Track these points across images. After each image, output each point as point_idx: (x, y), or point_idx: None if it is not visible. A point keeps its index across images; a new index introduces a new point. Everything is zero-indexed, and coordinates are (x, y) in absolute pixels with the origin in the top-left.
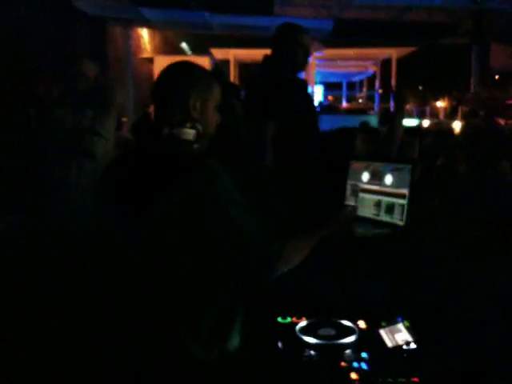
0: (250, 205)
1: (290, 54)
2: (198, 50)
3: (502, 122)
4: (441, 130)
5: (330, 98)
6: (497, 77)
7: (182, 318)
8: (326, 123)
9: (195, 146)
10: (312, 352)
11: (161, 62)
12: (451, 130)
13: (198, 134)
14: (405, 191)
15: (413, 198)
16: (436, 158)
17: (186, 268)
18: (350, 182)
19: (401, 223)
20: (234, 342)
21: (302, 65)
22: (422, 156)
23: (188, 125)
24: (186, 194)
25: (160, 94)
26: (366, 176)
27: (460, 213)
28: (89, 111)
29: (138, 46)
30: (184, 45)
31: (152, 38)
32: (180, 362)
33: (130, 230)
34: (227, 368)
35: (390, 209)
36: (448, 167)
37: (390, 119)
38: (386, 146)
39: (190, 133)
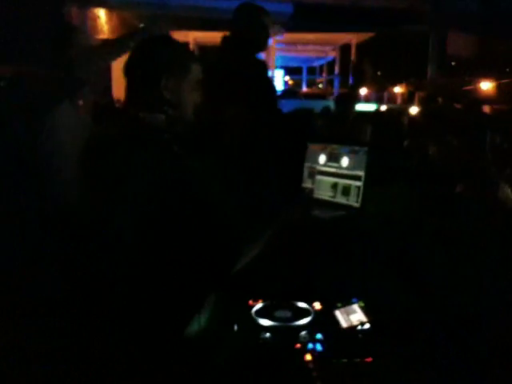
0: (216, 196)
1: (249, 35)
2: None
3: (458, 107)
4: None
5: (289, 82)
6: (453, 63)
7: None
8: (286, 107)
9: (165, 134)
10: (268, 334)
11: None
12: (404, 113)
13: (171, 118)
14: (361, 173)
15: (368, 181)
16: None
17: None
18: (307, 164)
19: (356, 205)
20: (195, 327)
21: (262, 46)
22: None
23: (158, 108)
24: (147, 184)
25: (130, 72)
26: (322, 158)
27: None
28: None
29: (95, 27)
30: (143, 26)
31: (109, 18)
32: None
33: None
34: (183, 349)
35: (346, 191)
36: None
37: (343, 103)
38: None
39: (158, 117)
